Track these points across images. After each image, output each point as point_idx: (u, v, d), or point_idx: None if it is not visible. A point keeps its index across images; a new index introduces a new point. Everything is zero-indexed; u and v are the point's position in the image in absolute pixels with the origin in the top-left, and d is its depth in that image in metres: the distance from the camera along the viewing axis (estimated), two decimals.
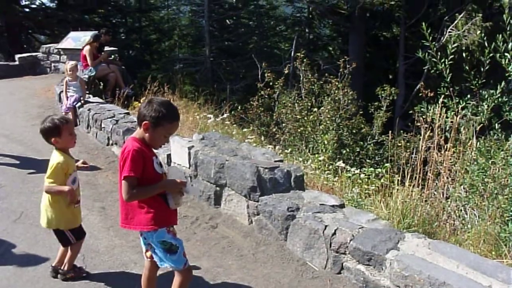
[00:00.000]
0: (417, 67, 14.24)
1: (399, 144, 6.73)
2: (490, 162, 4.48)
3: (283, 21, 22.59)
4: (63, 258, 3.39)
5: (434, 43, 5.26)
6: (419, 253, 2.92)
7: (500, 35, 4.59)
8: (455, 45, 5.18)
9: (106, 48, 10.55)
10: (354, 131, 8.43)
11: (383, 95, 9.13)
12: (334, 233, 3.35)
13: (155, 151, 2.70)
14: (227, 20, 21.32)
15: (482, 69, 5.00)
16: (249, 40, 21.33)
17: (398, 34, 18.26)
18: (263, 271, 3.49)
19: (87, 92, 8.42)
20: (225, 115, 8.94)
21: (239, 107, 10.05)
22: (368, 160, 7.74)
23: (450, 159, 4.71)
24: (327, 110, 8.21)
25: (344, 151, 7.78)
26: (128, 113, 7.31)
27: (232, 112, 9.96)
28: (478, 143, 4.96)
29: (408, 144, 6.94)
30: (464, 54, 6.63)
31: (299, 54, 9.59)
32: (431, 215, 4.22)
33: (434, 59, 5.19)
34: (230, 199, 4.43)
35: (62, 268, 3.38)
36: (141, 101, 8.46)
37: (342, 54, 15.61)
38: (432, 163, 4.62)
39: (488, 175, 4.35)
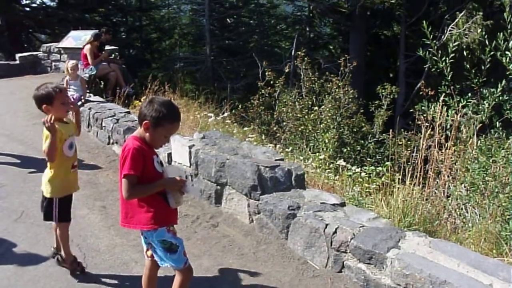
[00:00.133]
0: (418, 66, 14.20)
1: (400, 143, 6.74)
2: (491, 161, 4.48)
3: (284, 19, 22.54)
4: (58, 242, 3.44)
5: (434, 41, 5.26)
6: (420, 252, 2.92)
7: (501, 34, 4.59)
8: (456, 43, 5.19)
9: (107, 47, 10.54)
10: (355, 130, 8.42)
11: (383, 93, 9.12)
12: (335, 232, 3.35)
13: (156, 150, 2.70)
14: (227, 19, 21.28)
15: (482, 68, 5.00)
16: (250, 39, 21.30)
17: (398, 33, 18.24)
18: (264, 270, 3.49)
19: (88, 91, 8.42)
20: (225, 114, 8.94)
21: (240, 106, 10.04)
22: (368, 159, 7.74)
23: (451, 157, 4.71)
24: (327, 109, 8.21)
25: (345, 150, 7.77)
26: (128, 112, 7.31)
27: (233, 111, 9.95)
28: (479, 142, 4.96)
29: (409, 142, 6.95)
30: (464, 53, 6.61)
31: (299, 52, 9.57)
32: (431, 213, 4.22)
33: (434, 58, 5.19)
34: (231, 198, 4.43)
35: (60, 254, 3.44)
36: (142, 100, 8.46)
37: (343, 52, 15.59)
38: (433, 161, 4.62)
39: (489, 174, 4.35)
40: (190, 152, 4.86)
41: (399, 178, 4.63)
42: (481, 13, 14.15)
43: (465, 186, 4.59)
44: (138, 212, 2.61)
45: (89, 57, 9.45)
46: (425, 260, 2.83)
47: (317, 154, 6.79)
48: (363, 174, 5.59)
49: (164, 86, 9.75)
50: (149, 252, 2.81)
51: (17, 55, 13.05)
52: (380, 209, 4.26)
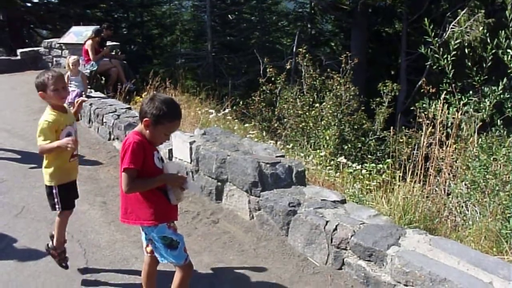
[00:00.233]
0: (419, 63, 14.19)
1: (401, 140, 6.73)
2: (491, 159, 4.47)
3: (285, 16, 22.55)
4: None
5: (436, 39, 5.25)
6: (420, 249, 2.92)
7: (503, 32, 4.58)
8: (458, 41, 5.17)
9: (108, 43, 10.55)
10: (356, 127, 8.41)
11: (385, 91, 9.09)
12: (335, 229, 3.36)
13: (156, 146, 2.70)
14: (229, 15, 21.25)
15: (484, 66, 4.99)
16: (251, 35, 21.27)
17: (400, 30, 18.19)
18: (264, 266, 3.50)
19: (89, 86, 8.42)
20: (226, 110, 8.94)
21: (241, 102, 10.04)
22: (369, 156, 7.73)
23: (452, 155, 4.71)
24: (329, 106, 8.20)
25: (346, 147, 7.77)
26: (129, 108, 7.31)
27: (234, 107, 9.96)
28: (480, 140, 4.96)
29: (410, 140, 6.93)
30: (466, 50, 6.61)
31: (301, 49, 9.55)
32: (432, 211, 4.23)
33: (436, 55, 5.18)
34: (232, 194, 4.43)
35: (52, 241, 3.38)
36: (143, 96, 8.48)
37: (344, 49, 15.58)
38: (433, 159, 4.62)
39: (489, 172, 4.34)
40: (191, 148, 4.86)
41: (399, 176, 4.63)
42: (483, 11, 14.10)
43: (465, 184, 4.59)
44: (138, 208, 2.61)
45: (90, 53, 9.45)
46: (425, 257, 2.83)
47: (318, 151, 6.79)
48: (363, 171, 5.59)
49: (165, 82, 9.75)
50: (149, 248, 2.81)
51: (19, 51, 13.03)
52: (381, 206, 4.26)
